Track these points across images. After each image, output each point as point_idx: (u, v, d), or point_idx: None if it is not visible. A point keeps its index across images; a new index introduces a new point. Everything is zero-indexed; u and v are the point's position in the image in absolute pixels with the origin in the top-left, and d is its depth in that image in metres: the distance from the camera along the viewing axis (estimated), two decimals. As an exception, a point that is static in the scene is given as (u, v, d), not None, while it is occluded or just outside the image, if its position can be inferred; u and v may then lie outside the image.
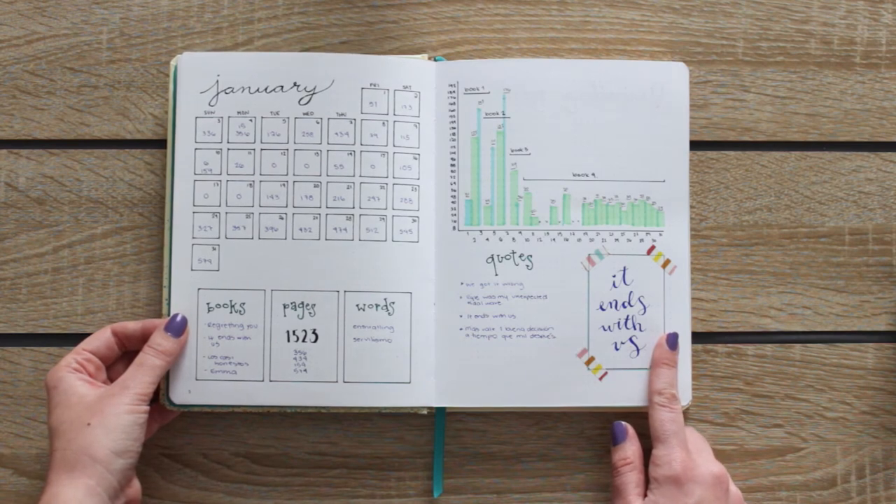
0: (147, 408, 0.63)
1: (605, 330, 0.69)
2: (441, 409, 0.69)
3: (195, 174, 0.69)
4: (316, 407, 0.68)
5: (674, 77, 0.70)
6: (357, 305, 0.68)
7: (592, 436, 0.71)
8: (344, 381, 0.67)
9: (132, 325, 0.66)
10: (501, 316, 0.69)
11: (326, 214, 0.68)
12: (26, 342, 0.70)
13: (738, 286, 0.71)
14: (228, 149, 0.69)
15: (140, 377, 0.63)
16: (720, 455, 0.70)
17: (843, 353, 0.71)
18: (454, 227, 0.69)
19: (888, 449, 0.71)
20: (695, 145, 0.72)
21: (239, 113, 0.69)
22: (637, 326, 0.69)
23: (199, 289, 0.68)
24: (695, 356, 0.70)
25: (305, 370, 0.67)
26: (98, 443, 0.60)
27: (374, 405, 0.68)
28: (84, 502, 0.59)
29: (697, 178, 0.72)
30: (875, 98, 0.73)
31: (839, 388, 0.71)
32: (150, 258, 0.71)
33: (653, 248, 0.69)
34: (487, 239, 0.69)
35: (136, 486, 0.65)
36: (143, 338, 0.66)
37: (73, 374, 0.63)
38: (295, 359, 0.68)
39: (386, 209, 0.68)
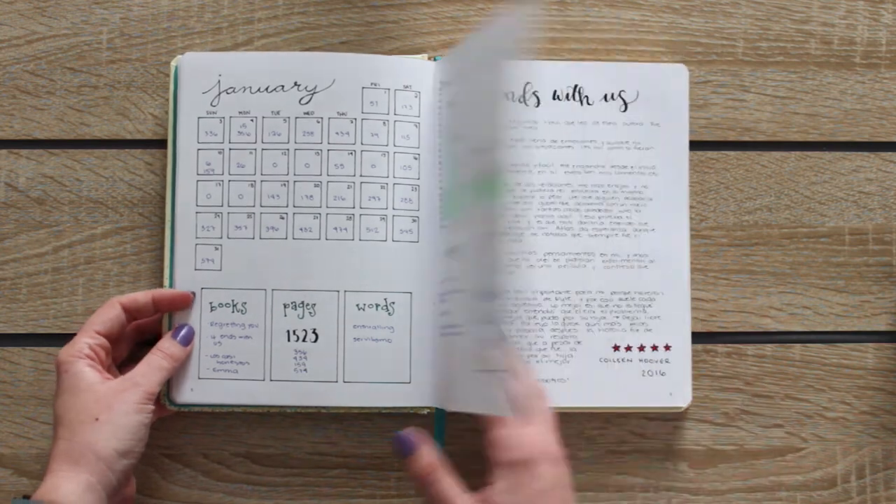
0: (153, 408, 0.63)
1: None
2: (441, 409, 0.69)
3: (198, 174, 0.68)
4: (316, 407, 0.68)
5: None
6: (357, 305, 0.68)
7: (592, 436, 0.71)
8: (344, 381, 0.67)
9: (142, 298, 0.66)
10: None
11: (327, 214, 0.68)
12: (26, 342, 0.70)
13: (738, 286, 0.72)
14: (230, 149, 0.69)
15: (150, 376, 0.64)
16: (720, 455, 0.70)
17: (843, 353, 0.71)
18: (454, 227, 0.69)
19: (888, 449, 0.71)
20: (695, 145, 0.72)
21: (240, 113, 0.69)
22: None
23: (202, 288, 0.68)
24: (695, 356, 0.70)
25: (305, 370, 0.67)
26: (104, 441, 0.60)
27: (374, 405, 0.68)
28: (83, 497, 0.59)
29: (697, 178, 0.72)
30: (875, 98, 0.73)
31: (839, 388, 0.71)
32: (150, 258, 0.71)
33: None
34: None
35: (131, 485, 0.65)
36: (155, 308, 0.67)
37: (83, 360, 0.63)
38: (295, 358, 0.68)
39: (386, 209, 0.68)
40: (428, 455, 0.62)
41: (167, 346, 0.66)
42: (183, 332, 0.67)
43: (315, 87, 0.69)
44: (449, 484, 0.60)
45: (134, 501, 0.66)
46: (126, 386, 0.62)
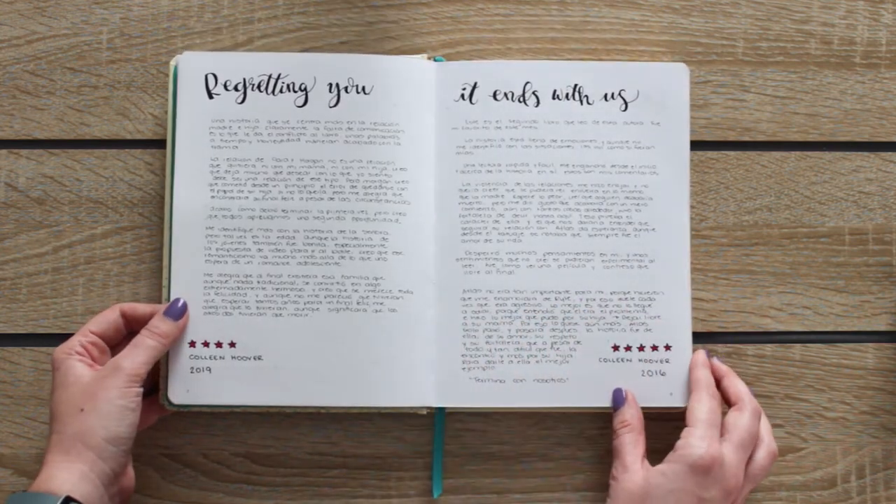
0: (140, 390, 0.63)
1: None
2: (441, 409, 0.69)
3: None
4: (316, 407, 0.68)
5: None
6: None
7: (592, 436, 0.71)
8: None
9: (142, 308, 0.66)
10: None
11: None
12: (26, 342, 0.70)
13: (738, 286, 0.72)
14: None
15: (133, 357, 0.63)
16: (720, 455, 0.70)
17: (843, 353, 0.71)
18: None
19: (888, 449, 0.71)
20: (695, 145, 0.72)
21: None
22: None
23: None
24: (695, 356, 0.70)
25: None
26: (90, 430, 0.61)
27: (374, 405, 0.68)
28: (77, 486, 0.59)
29: (697, 178, 0.72)
30: (875, 98, 0.73)
31: (839, 388, 0.71)
32: (150, 258, 0.71)
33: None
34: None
35: (130, 474, 0.65)
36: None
37: (74, 357, 0.63)
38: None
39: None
40: (629, 413, 0.67)
41: (157, 325, 0.65)
42: (174, 307, 0.66)
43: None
44: (629, 441, 0.66)
45: (132, 490, 0.66)
46: (107, 372, 0.62)
